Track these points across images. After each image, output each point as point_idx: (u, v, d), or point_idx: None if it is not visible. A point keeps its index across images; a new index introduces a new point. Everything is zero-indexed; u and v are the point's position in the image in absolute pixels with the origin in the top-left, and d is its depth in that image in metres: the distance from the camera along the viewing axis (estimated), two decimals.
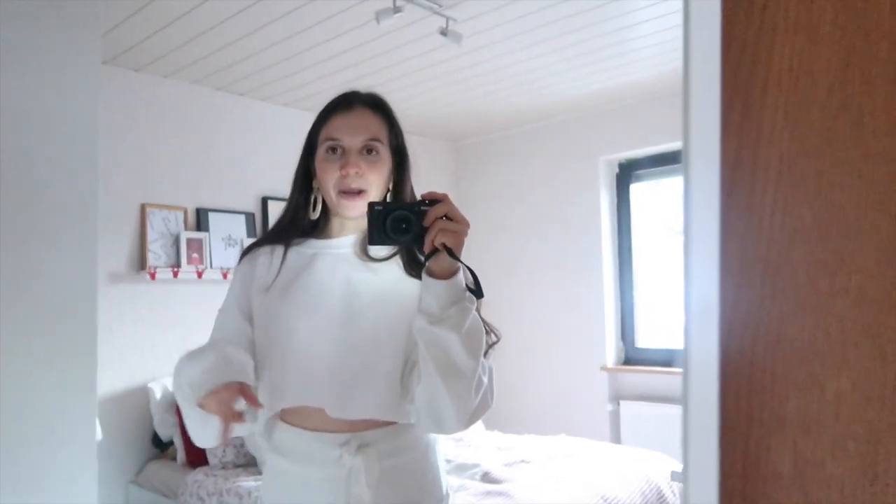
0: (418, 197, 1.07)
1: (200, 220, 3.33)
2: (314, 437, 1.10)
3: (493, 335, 1.11)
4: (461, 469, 2.57)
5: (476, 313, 1.02)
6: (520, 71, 3.27)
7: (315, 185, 1.19)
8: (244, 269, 1.22)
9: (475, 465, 2.59)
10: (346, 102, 1.19)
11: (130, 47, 2.83)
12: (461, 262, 1.00)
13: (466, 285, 1.02)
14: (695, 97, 0.47)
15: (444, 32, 2.62)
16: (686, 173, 0.47)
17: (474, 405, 1.03)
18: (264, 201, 3.60)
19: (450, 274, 0.99)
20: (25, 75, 1.34)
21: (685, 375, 0.51)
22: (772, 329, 0.50)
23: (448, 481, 1.21)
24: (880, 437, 0.47)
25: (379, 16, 2.40)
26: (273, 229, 1.25)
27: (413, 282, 1.10)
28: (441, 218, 0.98)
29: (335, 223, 1.20)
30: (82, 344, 1.38)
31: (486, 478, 2.48)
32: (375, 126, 1.18)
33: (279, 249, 1.20)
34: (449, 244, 0.98)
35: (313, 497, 1.10)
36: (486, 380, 1.05)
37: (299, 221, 1.21)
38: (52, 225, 1.35)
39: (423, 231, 0.99)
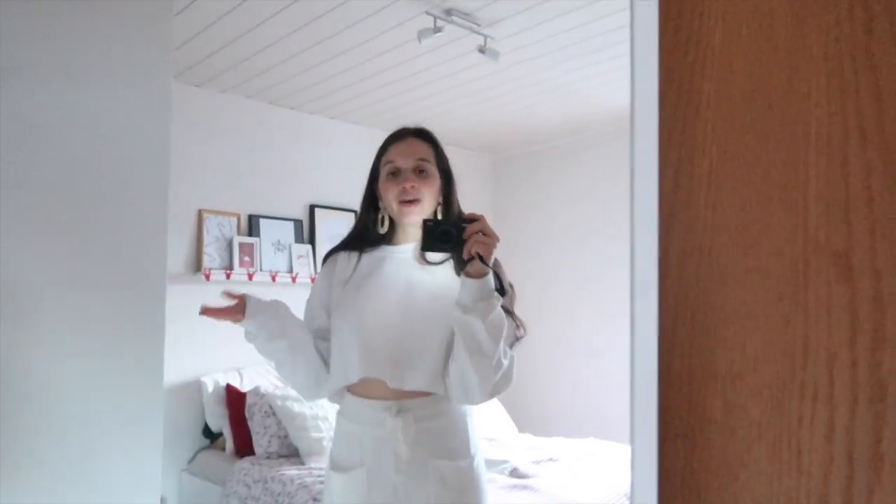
0: (462, 208, 1.43)
1: (252, 225, 3.55)
2: (367, 403, 1.40)
3: (521, 329, 1.40)
4: (491, 464, 2.69)
5: (500, 308, 1.29)
6: (557, 85, 3.41)
7: (381, 205, 1.50)
8: (328, 268, 1.55)
9: (505, 462, 2.71)
10: (400, 135, 1.52)
11: (192, 65, 3.07)
12: (490, 266, 1.28)
13: (495, 286, 1.30)
14: (639, 117, 0.60)
15: (482, 50, 2.77)
16: (632, 178, 0.60)
17: (495, 380, 1.30)
18: (311, 209, 3.81)
19: (482, 275, 1.27)
20: (105, 88, 1.53)
21: (632, 341, 0.64)
22: (704, 300, 0.62)
23: (480, 448, 1.44)
24: (786, 384, 0.59)
25: (420, 35, 2.57)
26: (348, 239, 1.57)
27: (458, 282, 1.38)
28: (477, 233, 1.27)
29: (399, 232, 1.51)
30: (152, 337, 1.56)
31: (515, 473, 2.60)
32: (424, 150, 1.48)
33: (355, 254, 1.51)
34: (482, 253, 1.27)
35: (364, 449, 1.39)
36: (506, 362, 1.32)
37: (368, 233, 1.52)
38: (129, 227, 1.54)
39: (463, 242, 1.28)
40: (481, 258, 1.27)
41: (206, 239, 3.37)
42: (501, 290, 1.32)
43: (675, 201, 0.63)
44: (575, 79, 3.31)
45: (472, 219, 1.31)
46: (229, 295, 1.45)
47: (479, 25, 2.69)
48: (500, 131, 4.24)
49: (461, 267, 1.36)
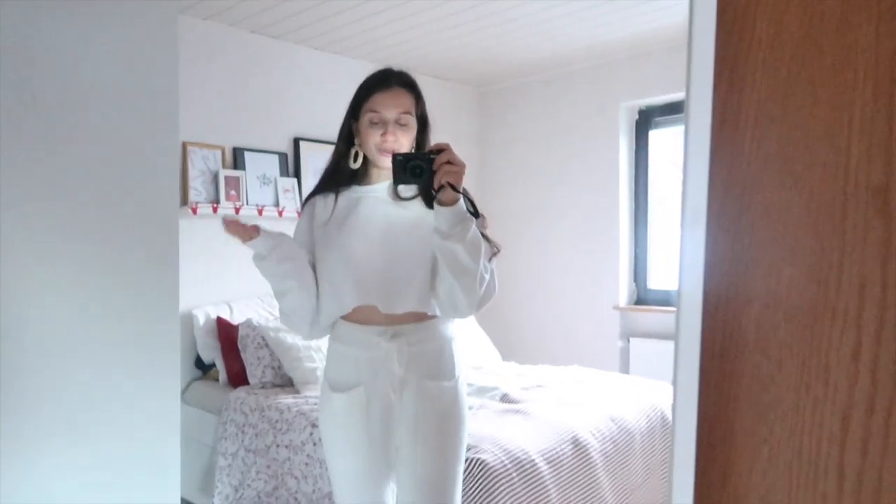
0: (448, 140, 1.46)
1: (237, 159, 3.51)
2: (362, 328, 1.53)
3: (494, 247, 1.53)
4: (482, 391, 2.80)
5: (476, 229, 1.41)
6: (543, 18, 3.36)
7: (357, 142, 1.58)
8: (307, 211, 1.64)
9: (494, 388, 2.82)
10: (385, 81, 1.55)
11: None
12: (461, 192, 1.39)
13: (468, 209, 1.42)
14: (696, 50, 0.63)
15: None
16: (687, 111, 0.64)
17: (480, 293, 1.45)
18: (296, 142, 3.77)
19: (454, 202, 1.38)
20: (110, 19, 1.49)
21: (680, 268, 0.69)
22: (745, 229, 0.67)
23: (462, 368, 1.59)
24: (818, 309, 0.65)
25: None
26: (323, 178, 1.65)
27: (431, 214, 1.48)
28: (445, 163, 1.36)
29: (373, 172, 1.61)
30: (167, 268, 1.58)
31: (505, 399, 2.71)
32: (408, 102, 1.55)
33: (331, 196, 1.60)
34: (451, 182, 1.37)
35: (361, 370, 1.52)
36: (487, 276, 1.46)
37: (343, 169, 1.61)
38: (137, 158, 1.54)
39: (433, 173, 1.37)
40: (452, 186, 1.36)
41: (192, 172, 3.33)
42: (474, 213, 1.42)
43: (722, 135, 0.67)
44: (560, 12, 3.27)
45: (439, 149, 1.39)
46: (232, 223, 1.48)
47: None
48: (486, 63, 4.20)
49: (431, 202, 1.48)
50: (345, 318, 1.56)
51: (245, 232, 1.46)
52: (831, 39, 0.61)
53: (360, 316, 1.54)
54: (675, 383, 0.69)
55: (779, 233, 0.65)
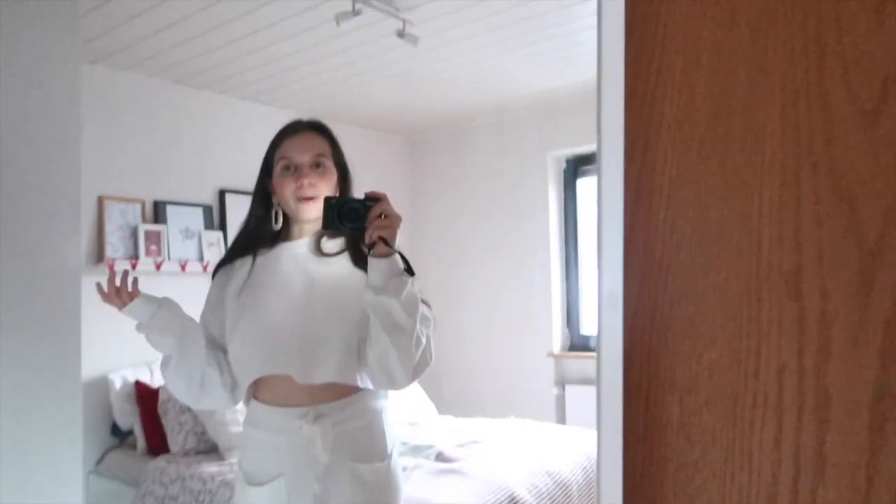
0: (379, 190, 1.34)
1: (158, 212, 3.37)
2: (280, 411, 1.36)
3: (430, 310, 1.38)
4: (417, 450, 2.72)
5: (411, 286, 1.28)
6: (473, 70, 3.42)
7: (274, 200, 1.45)
8: (219, 280, 1.48)
9: (430, 446, 2.74)
10: (295, 128, 1.45)
11: (91, 40, 2.85)
12: (394, 249, 1.27)
13: (403, 265, 1.29)
14: (606, 135, 0.62)
15: (400, 35, 2.74)
16: (599, 195, 0.62)
17: (416, 358, 1.29)
18: (222, 194, 3.66)
19: (388, 256, 1.26)
20: (9, 69, 1.41)
21: (599, 351, 0.67)
22: (664, 314, 0.66)
23: (395, 443, 1.44)
24: (739, 394, 0.63)
25: (339, 18, 2.50)
26: (239, 241, 1.50)
27: (359, 272, 1.36)
28: (379, 216, 1.25)
29: (294, 228, 1.46)
30: (67, 334, 1.47)
31: (440, 457, 2.64)
32: (321, 145, 1.44)
33: (249, 258, 1.45)
34: (385, 236, 1.25)
35: (281, 459, 1.35)
36: (424, 340, 1.31)
37: (262, 231, 1.46)
38: (39, 214, 1.44)
39: (366, 226, 1.26)
40: (385, 241, 1.25)
41: (109, 227, 3.17)
42: (409, 270, 1.30)
43: (636, 220, 0.65)
44: (490, 64, 3.33)
45: (376, 197, 1.28)
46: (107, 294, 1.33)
47: (397, 10, 2.65)
48: (417, 114, 4.22)
49: (358, 257, 1.37)
50: (259, 398, 1.40)
51: (119, 299, 1.30)
52: (739, 123, 0.61)
53: (275, 395, 1.37)
54: (598, 468, 0.66)
55: (697, 317, 0.64)
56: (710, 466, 0.65)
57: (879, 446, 0.57)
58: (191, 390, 1.40)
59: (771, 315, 0.61)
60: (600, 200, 0.63)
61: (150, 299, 1.34)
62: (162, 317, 1.34)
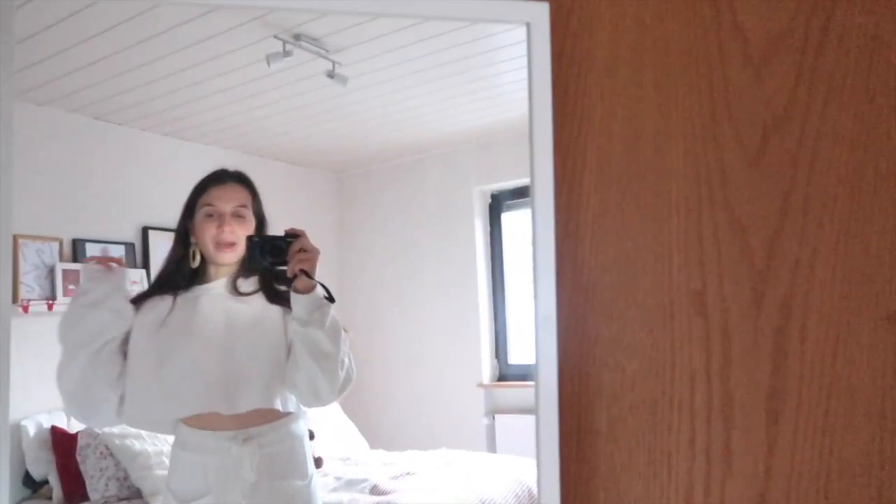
0: (306, 227, 1.49)
1: (77, 250, 3.26)
2: (211, 434, 1.44)
3: (346, 329, 1.52)
4: (350, 485, 2.71)
5: (333, 314, 1.42)
6: (401, 109, 3.52)
7: (193, 241, 1.57)
8: (139, 309, 1.54)
9: (364, 480, 2.74)
10: (220, 178, 1.59)
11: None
12: (315, 280, 1.40)
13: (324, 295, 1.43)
14: (538, 177, 0.71)
15: (330, 75, 2.80)
16: (533, 228, 0.70)
17: (342, 378, 1.44)
18: (145, 231, 3.57)
19: (310, 289, 1.39)
20: None
21: (536, 368, 0.74)
22: (592, 331, 0.74)
23: (314, 469, 1.56)
24: (657, 400, 0.72)
25: (270, 59, 2.55)
26: (160, 279, 1.61)
27: (274, 308, 1.49)
28: (299, 251, 1.38)
29: (211, 270, 1.58)
30: None
31: (375, 490, 2.64)
32: (243, 196, 1.58)
33: (169, 297, 1.54)
34: (306, 269, 1.38)
35: (210, 480, 1.44)
36: (347, 361, 1.46)
37: (181, 270, 1.57)
38: None
39: (287, 260, 1.38)
40: (307, 274, 1.39)
41: (24, 267, 3.04)
42: (330, 297, 1.45)
43: (565, 249, 0.74)
44: (416, 104, 3.44)
45: (295, 234, 1.43)
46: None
47: (327, 51, 2.72)
48: (345, 150, 4.27)
49: (273, 294, 1.50)
50: (189, 424, 1.49)
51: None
52: (650, 165, 0.71)
53: (205, 422, 1.47)
54: (538, 477, 0.73)
55: (620, 332, 0.73)
56: (635, 467, 0.73)
57: (774, 438, 0.67)
58: (91, 392, 1.47)
59: (682, 329, 0.70)
60: (535, 233, 0.72)
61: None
62: (113, 295, 1.46)
